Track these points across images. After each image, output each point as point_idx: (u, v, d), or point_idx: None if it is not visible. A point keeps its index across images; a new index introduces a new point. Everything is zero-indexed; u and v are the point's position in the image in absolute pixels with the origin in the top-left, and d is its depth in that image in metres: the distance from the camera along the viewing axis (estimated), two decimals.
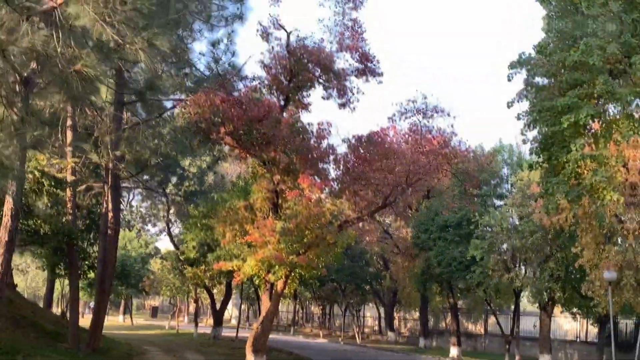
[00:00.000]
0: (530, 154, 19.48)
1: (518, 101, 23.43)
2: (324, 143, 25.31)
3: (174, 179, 40.71)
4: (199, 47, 70.65)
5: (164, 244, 61.90)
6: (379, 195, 24.85)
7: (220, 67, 26.65)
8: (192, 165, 41.11)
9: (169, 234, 45.03)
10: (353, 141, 24.02)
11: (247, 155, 24.23)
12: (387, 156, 23.19)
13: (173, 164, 37.29)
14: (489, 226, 33.16)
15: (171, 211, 42.62)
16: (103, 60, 14.34)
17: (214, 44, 28.01)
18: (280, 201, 25.33)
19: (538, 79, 18.80)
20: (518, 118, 17.61)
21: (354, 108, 26.12)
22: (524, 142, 19.34)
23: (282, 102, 26.37)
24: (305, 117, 46.03)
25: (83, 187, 30.03)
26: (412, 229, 40.26)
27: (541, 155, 18.10)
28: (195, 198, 35.89)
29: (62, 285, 45.73)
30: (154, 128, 33.27)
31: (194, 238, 32.69)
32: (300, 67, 25.18)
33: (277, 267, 23.80)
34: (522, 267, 34.06)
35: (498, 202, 38.68)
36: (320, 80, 25.96)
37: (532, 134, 19.63)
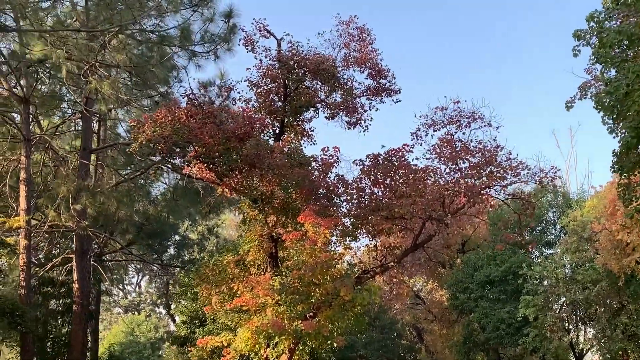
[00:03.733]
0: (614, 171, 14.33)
1: (581, 98, 16.88)
2: (331, 174, 18.74)
3: (171, 249, 34.11)
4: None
5: None
6: (407, 234, 17.89)
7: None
8: (191, 230, 34.53)
9: (169, 313, 37.97)
10: (367, 162, 17.25)
11: (229, 191, 17.44)
12: (413, 179, 16.42)
13: (168, 229, 30.72)
14: (540, 278, 28.08)
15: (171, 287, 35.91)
16: None
17: (205, 85, 22.25)
18: (278, 251, 18.70)
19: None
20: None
21: (367, 127, 20.00)
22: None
23: (277, 129, 20.00)
24: (308, 150, 39.91)
25: (42, 254, 23.65)
26: (447, 289, 34.56)
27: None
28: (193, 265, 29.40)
29: None
30: (137, 184, 27.30)
31: (183, 311, 25.70)
32: (295, 80, 18.91)
33: (277, 338, 17.37)
34: (586, 325, 29.91)
35: (547, 251, 33.03)
36: (322, 96, 19.60)
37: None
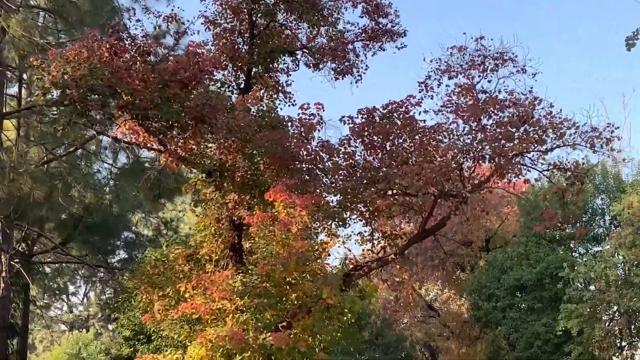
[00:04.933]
0: None
1: None
2: (313, 139, 17.29)
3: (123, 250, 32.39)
4: None
5: None
6: (414, 218, 16.09)
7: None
8: (145, 225, 32.65)
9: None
10: (359, 120, 15.37)
11: (175, 160, 15.61)
12: (420, 140, 14.64)
13: (114, 222, 28.92)
14: (586, 282, 27.87)
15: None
16: None
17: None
18: (243, 240, 17.40)
19: None
20: None
21: (360, 77, 18.83)
22: None
23: (242, 82, 18.60)
24: (286, 112, 38.44)
25: None
26: (467, 297, 34.27)
27: None
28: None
29: None
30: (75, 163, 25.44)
31: (126, 325, 23.93)
32: (264, 13, 17.30)
33: (239, 355, 15.27)
34: None
35: (594, 248, 31.81)
36: (302, 39, 17.92)
37: None
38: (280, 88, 18.91)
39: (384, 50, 19.52)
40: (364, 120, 15.77)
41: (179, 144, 16.09)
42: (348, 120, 15.92)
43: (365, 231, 17.18)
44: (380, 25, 19.38)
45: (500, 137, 15.10)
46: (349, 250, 18.40)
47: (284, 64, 18.93)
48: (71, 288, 45.40)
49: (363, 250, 17.57)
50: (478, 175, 16.65)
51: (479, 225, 28.23)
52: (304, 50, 19.17)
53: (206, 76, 14.90)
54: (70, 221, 27.63)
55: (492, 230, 34.19)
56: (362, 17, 19.28)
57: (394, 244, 17.38)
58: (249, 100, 16.75)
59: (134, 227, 33.15)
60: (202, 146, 16.54)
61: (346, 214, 16.09)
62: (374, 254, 17.42)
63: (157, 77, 14.05)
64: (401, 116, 15.67)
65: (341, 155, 15.87)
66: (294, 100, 19.35)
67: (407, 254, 19.07)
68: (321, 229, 16.64)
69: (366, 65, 18.49)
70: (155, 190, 21.86)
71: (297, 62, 19.32)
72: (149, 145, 16.37)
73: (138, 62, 14.10)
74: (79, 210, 26.89)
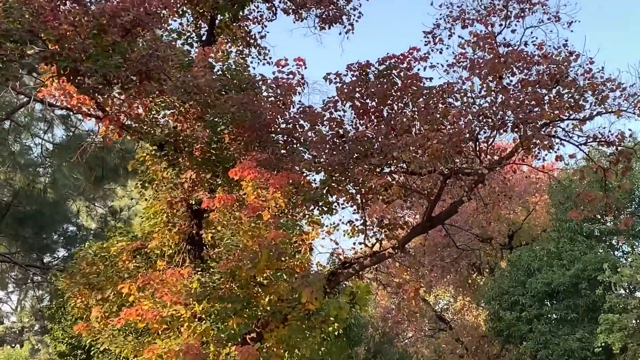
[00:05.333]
0: None
1: None
2: (292, 105, 16.92)
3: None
4: None
5: None
6: (417, 202, 15.67)
7: None
8: (88, 215, 32.17)
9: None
10: (349, 78, 15.04)
11: (117, 128, 15.25)
12: (425, 103, 14.19)
13: (50, 212, 28.41)
14: (631, 287, 28.37)
15: None
16: None
17: None
18: (204, 230, 17.00)
19: None
20: None
21: (351, 27, 18.48)
22: None
23: (205, 33, 18.48)
24: (260, 71, 38.00)
25: None
26: (485, 305, 34.45)
27: None
28: None
29: None
30: None
31: (59, 337, 23.62)
32: None
33: None
34: None
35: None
36: None
37: None
38: (252, 41, 18.56)
39: None
40: (354, 78, 15.26)
41: (123, 108, 15.62)
42: (335, 79, 15.42)
43: (356, 220, 16.73)
44: None
45: (526, 100, 14.58)
46: (336, 244, 18.06)
47: (258, 11, 18.55)
48: (0, 294, 44.96)
49: (354, 243, 17.13)
50: (498, 150, 16.15)
51: (499, 216, 28.00)
52: None
53: (155, 20, 14.28)
54: None
55: (516, 223, 34.18)
56: None
57: (392, 236, 17.01)
58: (212, 54, 16.25)
59: (75, 219, 32.68)
60: (152, 112, 16.08)
61: (332, 197, 15.69)
62: (367, 248, 17.04)
63: (92, 21, 13.52)
64: (402, 74, 15.14)
65: (326, 123, 15.35)
66: (270, 58, 19.06)
67: (410, 249, 18.59)
68: (301, 215, 16.34)
69: (359, 12, 18.02)
70: (96, 170, 21.35)
71: (274, 9, 18.89)
72: (84, 109, 15.75)
73: (67, 1, 13.52)
74: (7, 196, 26.40)
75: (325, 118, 15.34)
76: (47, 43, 13.48)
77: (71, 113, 19.26)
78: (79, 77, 13.82)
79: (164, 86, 13.96)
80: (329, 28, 17.88)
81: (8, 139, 25.42)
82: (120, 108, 15.55)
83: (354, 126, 15.58)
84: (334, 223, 17.19)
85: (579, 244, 29.79)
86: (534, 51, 15.22)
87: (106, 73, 13.59)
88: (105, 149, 20.53)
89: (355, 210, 16.44)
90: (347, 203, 16.04)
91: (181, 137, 15.80)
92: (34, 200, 26.39)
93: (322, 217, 16.55)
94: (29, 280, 39.19)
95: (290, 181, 14.86)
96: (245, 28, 18.47)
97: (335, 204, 16.11)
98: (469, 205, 16.97)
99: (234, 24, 18.09)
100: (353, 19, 17.97)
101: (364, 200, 15.99)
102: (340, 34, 17.86)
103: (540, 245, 31.51)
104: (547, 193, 32.31)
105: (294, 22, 18.90)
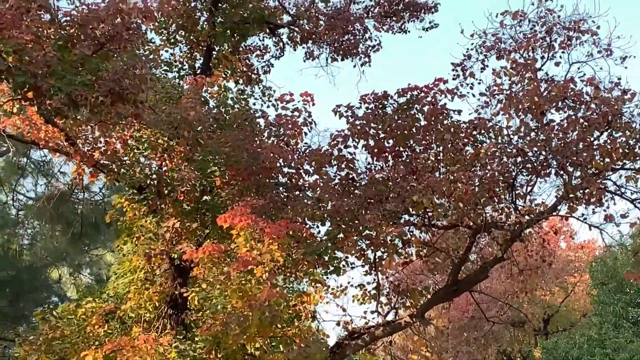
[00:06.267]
0: None
1: None
2: (299, 143, 15.65)
3: None
4: None
5: None
6: (441, 263, 14.07)
7: None
8: (72, 281, 30.41)
9: None
10: (362, 110, 13.43)
11: (90, 167, 13.77)
12: (452, 140, 12.67)
13: (27, 277, 26.79)
14: None
15: None
16: None
17: None
18: (188, 291, 14.92)
19: None
20: None
21: (368, 59, 17.47)
22: None
23: (200, 67, 17.42)
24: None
25: None
26: None
27: None
28: None
29: None
30: None
31: None
32: None
33: None
34: None
35: None
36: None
37: None
38: (254, 76, 16.92)
39: (405, 32, 17.80)
40: (369, 111, 13.57)
41: (97, 144, 14.10)
42: (346, 112, 13.72)
43: (368, 283, 14.98)
44: None
45: (573, 141, 12.84)
46: (344, 310, 16.19)
47: (261, 40, 17.12)
48: None
49: (365, 311, 15.46)
50: (538, 206, 14.36)
51: (533, 296, 26.12)
52: (292, 27, 17.34)
53: (135, 37, 12.81)
54: None
55: (552, 306, 32.88)
56: None
57: (410, 303, 15.26)
58: (205, 85, 14.79)
59: (56, 285, 30.70)
60: (131, 149, 14.49)
61: (339, 253, 13.78)
62: (380, 316, 15.33)
63: (57, 31, 12.06)
64: (426, 109, 13.49)
65: (334, 163, 13.64)
66: (275, 100, 17.35)
67: (430, 318, 16.73)
68: (302, 274, 14.53)
69: (378, 42, 16.94)
70: (74, 226, 19.71)
71: (281, 44, 17.57)
72: (51, 144, 14.18)
73: (31, 8, 12.05)
74: None
75: (332, 157, 13.68)
76: (3, 56, 12.06)
77: (42, 152, 17.59)
78: (39, 97, 12.33)
79: (140, 109, 12.38)
80: (342, 60, 16.60)
81: None
82: (94, 144, 14.04)
83: (366, 166, 13.92)
84: (341, 286, 15.50)
85: (625, 330, 27.86)
86: (582, 88, 13.61)
87: (71, 92, 12.07)
88: (83, 202, 18.94)
89: (366, 271, 14.62)
90: (358, 260, 14.23)
91: (165, 179, 14.19)
92: (9, 263, 24.68)
93: (328, 278, 14.76)
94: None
95: (289, 231, 13.17)
96: (247, 61, 17.06)
97: (344, 262, 14.37)
98: (498, 273, 15.10)
99: (235, 56, 16.68)
100: (370, 51, 16.77)
101: (376, 259, 14.21)
102: (354, 66, 16.48)
103: (580, 332, 29.92)
104: (588, 272, 30.62)
105: (304, 61, 17.64)
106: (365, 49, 16.93)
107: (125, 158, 14.45)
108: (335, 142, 13.69)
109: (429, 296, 15.09)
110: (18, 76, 11.75)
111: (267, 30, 17.20)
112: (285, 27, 17.44)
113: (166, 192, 14.33)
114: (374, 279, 14.66)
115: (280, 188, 14.73)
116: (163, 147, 14.17)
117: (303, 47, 17.09)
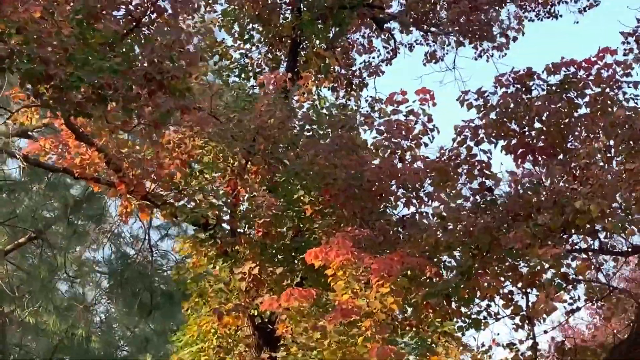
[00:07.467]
0: None
1: None
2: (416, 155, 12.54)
3: None
4: None
5: None
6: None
7: None
8: None
9: None
10: (498, 95, 10.61)
11: (126, 193, 11.21)
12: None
13: None
14: None
15: None
16: None
17: None
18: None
19: None
20: None
21: (506, 47, 15.51)
22: None
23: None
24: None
25: None
26: None
27: None
28: None
29: None
30: None
31: None
32: None
33: None
34: None
35: None
36: None
37: None
38: (356, 80, 14.44)
39: (556, 17, 15.87)
40: (507, 94, 10.57)
41: (147, 165, 11.48)
42: (476, 100, 10.73)
43: (519, 340, 11.52)
44: None
45: None
46: None
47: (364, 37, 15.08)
48: None
49: None
50: None
51: None
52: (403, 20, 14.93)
53: (190, 9, 10.36)
54: None
55: None
56: None
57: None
58: (285, 81, 12.23)
59: None
60: (192, 172, 11.87)
61: (474, 294, 10.55)
62: None
63: (75, 3, 9.60)
64: (587, 88, 10.45)
65: (462, 167, 10.61)
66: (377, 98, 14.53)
67: None
68: (425, 325, 11.38)
69: (520, 29, 15.02)
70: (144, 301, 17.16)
71: (391, 38, 15.06)
72: (88, 172, 11.61)
73: None
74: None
75: (459, 159, 10.62)
76: (4, 39, 9.59)
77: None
78: (53, 92, 9.67)
79: (189, 100, 9.69)
80: (471, 43, 14.40)
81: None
82: (142, 166, 11.42)
83: (507, 171, 10.74)
84: (483, 345, 12.15)
85: None
86: None
87: (97, 82, 9.43)
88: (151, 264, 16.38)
89: (517, 324, 11.27)
90: (505, 309, 10.90)
91: (236, 208, 11.52)
92: (74, 352, 22.25)
93: (463, 334, 11.55)
94: None
95: (405, 266, 10.14)
96: (346, 60, 14.49)
97: (484, 312, 11.16)
98: None
99: (329, 52, 14.05)
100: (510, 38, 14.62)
101: (529, 303, 10.83)
102: (490, 58, 13.81)
103: None
104: None
105: (424, 64, 15.07)
106: (502, 31, 14.77)
107: (184, 185, 11.82)
108: (462, 140, 10.66)
109: (606, 356, 11.63)
110: (23, 63, 9.28)
111: (373, 24, 14.76)
112: (397, 20, 14.82)
113: (239, 226, 11.69)
114: (529, 334, 11.28)
115: (394, 218, 11.88)
116: (233, 168, 11.51)
117: (420, 44, 14.51)
